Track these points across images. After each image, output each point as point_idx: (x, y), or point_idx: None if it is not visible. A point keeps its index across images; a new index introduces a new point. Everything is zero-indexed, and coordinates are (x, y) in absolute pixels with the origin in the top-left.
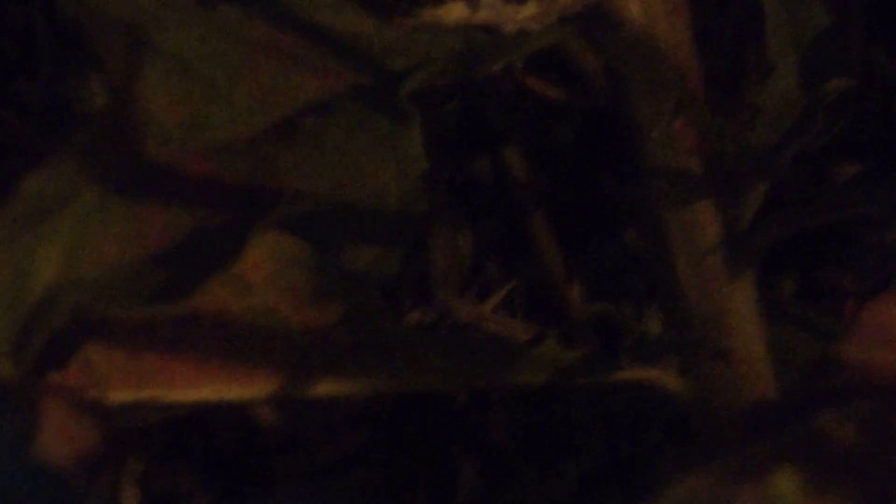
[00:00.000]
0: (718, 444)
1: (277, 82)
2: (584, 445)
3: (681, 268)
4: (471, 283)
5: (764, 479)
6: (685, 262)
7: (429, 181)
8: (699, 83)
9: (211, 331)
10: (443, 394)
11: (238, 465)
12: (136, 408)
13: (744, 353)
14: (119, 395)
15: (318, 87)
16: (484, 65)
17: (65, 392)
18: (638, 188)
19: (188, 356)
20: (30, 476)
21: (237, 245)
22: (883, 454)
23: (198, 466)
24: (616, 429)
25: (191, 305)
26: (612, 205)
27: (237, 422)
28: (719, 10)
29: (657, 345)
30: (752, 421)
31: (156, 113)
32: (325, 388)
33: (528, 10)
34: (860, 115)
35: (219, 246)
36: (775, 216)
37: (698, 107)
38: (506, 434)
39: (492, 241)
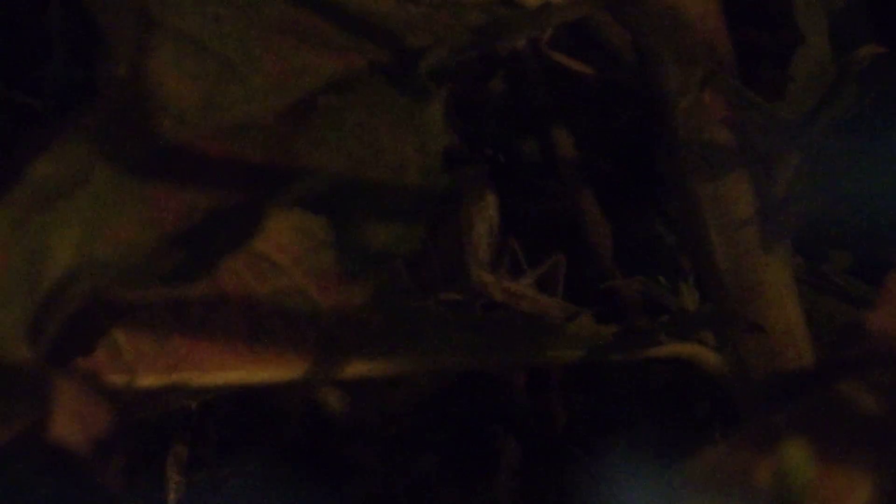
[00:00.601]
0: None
1: (294, 61)
2: (629, 421)
3: (715, 240)
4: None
5: (779, 449)
6: (719, 234)
7: (462, 158)
8: (728, 53)
9: (239, 314)
10: (487, 373)
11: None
12: (165, 392)
13: (780, 326)
14: (147, 380)
15: (337, 65)
16: (506, 39)
17: (79, 375)
18: (670, 161)
19: (216, 340)
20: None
21: (254, 225)
22: None
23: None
24: (661, 404)
25: (218, 287)
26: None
27: (302, 406)
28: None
29: (694, 319)
30: (783, 387)
31: (171, 93)
32: (355, 369)
33: None
34: None
35: (235, 226)
36: (808, 186)
37: (728, 77)
38: (550, 412)
39: (525, 218)
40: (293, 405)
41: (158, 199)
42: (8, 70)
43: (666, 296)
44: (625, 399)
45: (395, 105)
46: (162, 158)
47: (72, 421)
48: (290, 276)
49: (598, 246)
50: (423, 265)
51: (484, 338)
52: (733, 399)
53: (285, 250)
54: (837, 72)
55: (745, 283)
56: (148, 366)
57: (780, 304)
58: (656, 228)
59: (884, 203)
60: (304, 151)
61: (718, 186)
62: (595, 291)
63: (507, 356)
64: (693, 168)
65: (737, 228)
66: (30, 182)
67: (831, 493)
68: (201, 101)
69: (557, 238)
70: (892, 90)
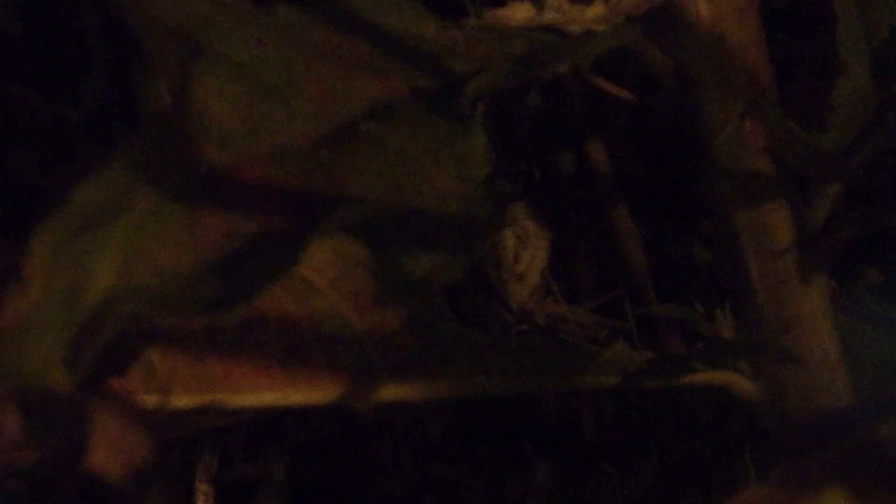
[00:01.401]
0: (790, 449)
1: (337, 86)
2: (662, 442)
3: (752, 269)
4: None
5: (820, 496)
6: (757, 263)
7: (502, 178)
8: (770, 83)
9: (274, 335)
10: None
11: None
12: (199, 413)
13: (817, 357)
14: (182, 400)
15: (379, 91)
16: (548, 67)
17: (117, 403)
18: (709, 188)
19: (251, 360)
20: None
21: (296, 252)
22: None
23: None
24: (694, 426)
25: (254, 309)
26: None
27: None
28: (792, 11)
29: (729, 347)
30: (822, 429)
31: (214, 117)
32: (389, 392)
33: (594, 10)
34: None
35: (277, 253)
36: (849, 217)
37: (769, 107)
38: (582, 433)
39: (559, 234)
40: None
41: (199, 225)
42: (48, 82)
43: (702, 322)
44: (657, 418)
45: (437, 132)
46: (204, 184)
47: (110, 450)
48: (326, 298)
49: (633, 262)
50: (463, 288)
51: (518, 363)
52: (767, 426)
53: (322, 272)
54: (879, 103)
55: (781, 312)
56: (182, 386)
57: (817, 335)
58: (694, 253)
59: None
60: (345, 177)
61: (757, 215)
62: (631, 313)
63: (542, 382)
64: (732, 195)
65: (775, 257)
66: (73, 206)
67: None
68: (244, 126)
69: (593, 255)
70: None
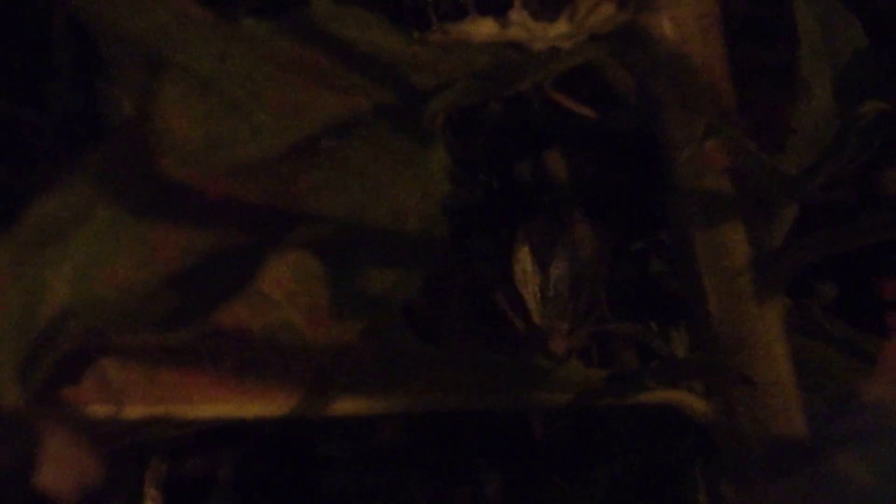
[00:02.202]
0: (742, 470)
1: (300, 100)
2: (613, 455)
3: (709, 288)
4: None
5: None
6: (713, 283)
7: (460, 188)
8: (732, 103)
9: (229, 347)
10: None
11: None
12: (152, 424)
13: (770, 378)
14: (135, 411)
15: (342, 106)
16: (512, 84)
17: (68, 419)
18: (669, 206)
19: (206, 372)
20: None
21: (253, 269)
22: None
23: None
24: (646, 439)
25: (209, 321)
26: (648, 212)
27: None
28: (767, 40)
29: (684, 367)
30: (778, 454)
31: (175, 131)
32: (344, 406)
33: (559, 27)
34: None
35: (235, 269)
36: (805, 239)
37: (731, 127)
38: (535, 444)
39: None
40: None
41: (157, 239)
42: (11, 86)
43: (657, 342)
44: (609, 432)
45: (398, 149)
46: (163, 198)
47: (59, 467)
48: (282, 311)
49: (590, 273)
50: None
51: (474, 379)
52: (718, 445)
53: (279, 285)
54: (840, 126)
55: (736, 332)
56: (135, 397)
57: (771, 356)
58: (651, 267)
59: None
60: (305, 193)
61: (715, 234)
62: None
63: (497, 399)
64: (691, 214)
65: (731, 277)
66: (31, 220)
67: None
68: (205, 141)
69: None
70: None
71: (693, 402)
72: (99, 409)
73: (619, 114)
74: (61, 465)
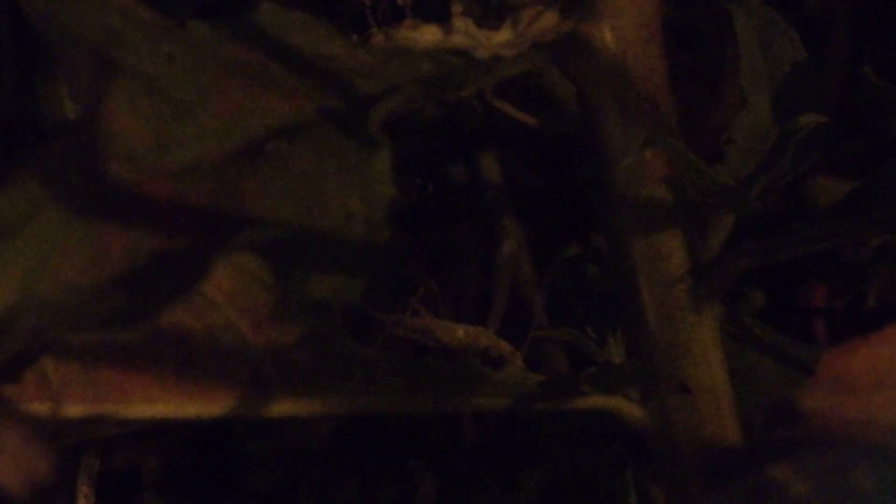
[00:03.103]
0: (676, 476)
1: (245, 104)
2: (546, 458)
3: (645, 296)
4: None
5: None
6: (650, 290)
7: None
8: (671, 112)
9: (169, 347)
10: None
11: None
12: (91, 422)
13: (705, 386)
14: (74, 410)
15: (287, 110)
16: (455, 90)
17: (20, 416)
18: (607, 214)
19: (145, 372)
20: None
21: (199, 270)
22: None
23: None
24: (578, 443)
25: (153, 322)
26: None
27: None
28: (694, 43)
29: (620, 374)
30: (712, 461)
31: (121, 133)
32: (282, 407)
33: (502, 35)
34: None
35: (180, 271)
36: (742, 248)
37: (670, 136)
38: (467, 447)
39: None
40: None
41: (103, 240)
42: None
43: (593, 348)
44: (541, 435)
45: (343, 153)
46: (109, 199)
47: (9, 462)
48: (223, 313)
49: (522, 278)
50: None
51: (411, 382)
52: (653, 452)
53: (220, 286)
54: (778, 137)
55: (673, 339)
56: (74, 395)
57: (706, 363)
58: (588, 276)
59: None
60: (250, 196)
61: (653, 242)
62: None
63: (434, 402)
64: (629, 222)
65: (668, 286)
66: None
67: None
68: (151, 142)
69: (483, 270)
70: None
71: (629, 408)
72: (39, 407)
73: (559, 121)
74: (11, 460)
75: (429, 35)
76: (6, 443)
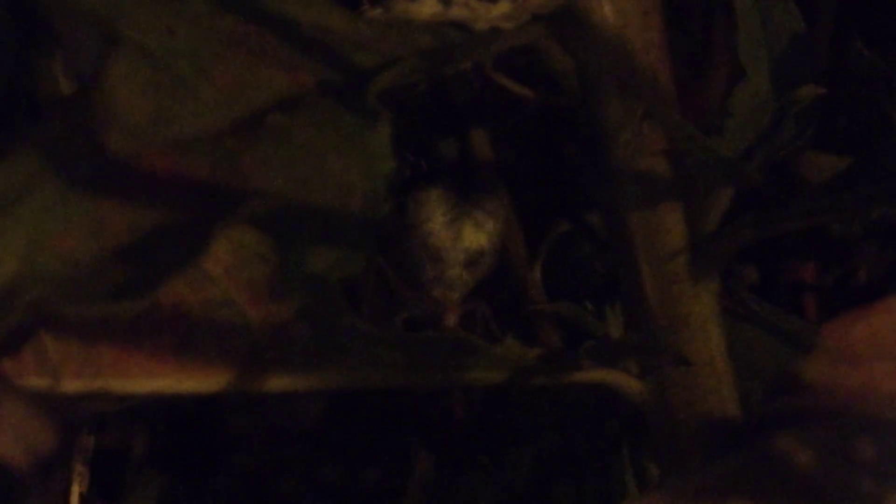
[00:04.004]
0: (674, 451)
1: (245, 77)
2: (540, 434)
3: (644, 270)
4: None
5: None
6: (649, 264)
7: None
8: (670, 85)
9: (168, 322)
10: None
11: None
12: (89, 397)
13: (705, 359)
14: (72, 385)
15: (287, 83)
16: (454, 63)
17: (20, 389)
18: (604, 188)
19: (144, 347)
20: None
21: (199, 243)
22: (840, 479)
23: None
24: (573, 419)
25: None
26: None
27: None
28: (691, 15)
29: (619, 347)
30: (711, 435)
31: (121, 105)
32: (279, 382)
33: (501, 7)
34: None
35: (181, 244)
36: (741, 221)
37: (668, 109)
38: (462, 422)
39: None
40: None
41: (103, 213)
42: None
43: (591, 321)
44: (536, 411)
45: (343, 126)
46: (109, 173)
47: (12, 436)
48: (221, 287)
49: (513, 253)
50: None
51: (409, 357)
52: (651, 426)
53: (218, 261)
54: (777, 109)
55: (671, 313)
56: (73, 370)
57: (705, 337)
58: (585, 251)
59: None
60: (250, 170)
61: (651, 216)
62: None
63: (432, 376)
64: (627, 196)
65: (667, 259)
66: None
67: None
68: (151, 115)
69: None
70: None
71: (628, 382)
72: (37, 382)
73: (557, 95)
74: (14, 434)
75: (428, 7)
76: (8, 417)
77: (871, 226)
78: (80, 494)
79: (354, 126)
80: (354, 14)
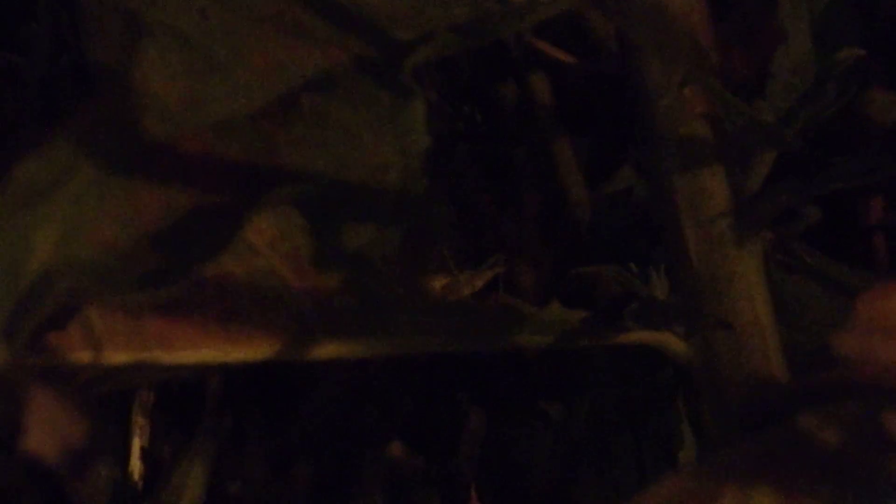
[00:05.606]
0: (721, 413)
1: (279, 56)
2: (595, 385)
3: (688, 233)
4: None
5: (744, 489)
6: (693, 227)
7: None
8: (710, 50)
9: (212, 293)
10: None
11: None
12: (135, 369)
13: (749, 321)
14: (118, 357)
15: (321, 61)
16: (492, 34)
17: (52, 377)
18: (648, 153)
19: (189, 318)
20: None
21: (235, 226)
22: (868, 457)
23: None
24: (628, 371)
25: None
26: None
27: None
28: None
29: (664, 310)
30: (754, 400)
31: (154, 89)
32: (325, 350)
33: None
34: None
35: (216, 227)
36: (785, 183)
37: (709, 73)
38: (511, 383)
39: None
40: None
41: (139, 198)
42: None
43: (637, 284)
44: (589, 364)
45: (378, 104)
46: (144, 157)
47: (45, 431)
48: (265, 258)
49: (574, 199)
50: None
51: (455, 323)
52: (698, 386)
53: (262, 232)
54: (818, 72)
55: (716, 275)
56: (119, 343)
57: (750, 298)
58: (630, 215)
59: None
60: (286, 150)
61: (694, 179)
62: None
63: (478, 342)
64: (670, 160)
65: (710, 222)
66: (15, 181)
67: None
68: (185, 98)
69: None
70: None
71: (673, 343)
72: (82, 356)
73: (598, 61)
74: (48, 428)
75: None
76: (40, 413)
77: None
78: (141, 448)
79: (389, 103)
80: None
